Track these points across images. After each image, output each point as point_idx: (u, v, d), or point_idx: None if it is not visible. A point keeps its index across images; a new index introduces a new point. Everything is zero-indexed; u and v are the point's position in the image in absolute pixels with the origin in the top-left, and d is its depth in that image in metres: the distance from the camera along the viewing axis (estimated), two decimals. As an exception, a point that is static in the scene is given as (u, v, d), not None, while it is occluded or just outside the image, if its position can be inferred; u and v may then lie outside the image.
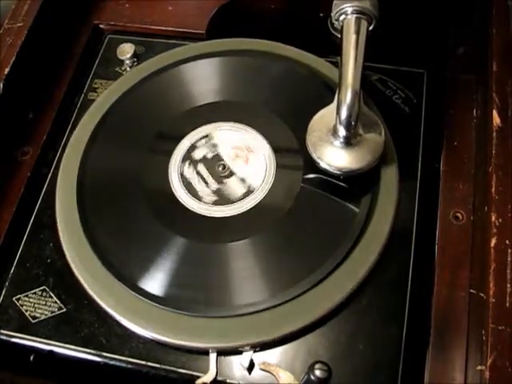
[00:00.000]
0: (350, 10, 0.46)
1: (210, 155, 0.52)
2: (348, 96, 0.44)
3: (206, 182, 0.51)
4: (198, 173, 0.51)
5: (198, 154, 0.52)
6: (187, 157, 0.52)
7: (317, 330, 0.45)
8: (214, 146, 0.53)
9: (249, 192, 0.49)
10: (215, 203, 0.49)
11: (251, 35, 0.59)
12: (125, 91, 0.57)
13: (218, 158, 0.52)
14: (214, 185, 0.50)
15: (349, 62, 0.45)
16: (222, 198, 0.49)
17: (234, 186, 0.50)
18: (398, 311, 0.45)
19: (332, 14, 0.48)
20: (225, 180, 0.51)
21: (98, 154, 0.53)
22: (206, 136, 0.53)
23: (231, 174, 0.51)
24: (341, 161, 0.46)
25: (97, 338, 0.46)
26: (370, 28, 0.47)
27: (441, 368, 0.44)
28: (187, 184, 0.51)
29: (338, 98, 0.45)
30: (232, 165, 0.51)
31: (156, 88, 0.56)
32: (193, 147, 0.53)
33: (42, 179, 0.54)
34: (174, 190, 0.50)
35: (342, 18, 0.47)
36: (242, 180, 0.50)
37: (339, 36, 0.47)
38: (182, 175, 0.51)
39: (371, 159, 0.46)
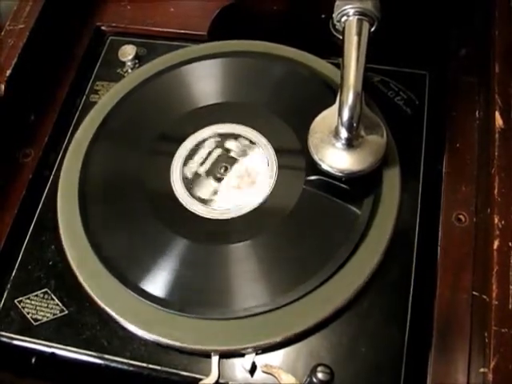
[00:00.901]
0: (351, 11, 0.46)
1: (211, 157, 0.52)
2: (350, 97, 0.44)
3: (207, 184, 0.51)
4: (200, 174, 0.51)
5: (199, 156, 0.52)
6: (189, 159, 0.52)
7: (319, 332, 0.45)
8: (215, 147, 0.53)
9: (252, 191, 0.49)
10: (217, 204, 0.49)
11: (253, 37, 0.59)
12: (126, 93, 0.57)
13: (219, 159, 0.52)
14: (215, 186, 0.50)
15: (350, 64, 0.45)
16: (226, 199, 0.49)
17: (236, 186, 0.50)
18: (401, 313, 0.45)
19: (334, 16, 0.48)
20: (227, 181, 0.51)
21: (100, 156, 0.53)
22: (208, 138, 0.53)
23: (233, 174, 0.51)
24: (342, 162, 0.46)
25: (98, 340, 0.46)
26: (372, 29, 0.47)
27: (443, 370, 0.44)
28: (189, 186, 0.51)
29: (340, 100, 0.45)
30: (234, 166, 0.51)
31: (158, 90, 0.56)
32: (194, 149, 0.53)
33: (44, 181, 0.54)
34: (175, 192, 0.50)
35: (343, 19, 0.47)
36: (245, 179, 0.50)
37: (341, 37, 0.47)
38: (183, 177, 0.51)
39: (373, 161, 0.46)
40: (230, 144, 0.53)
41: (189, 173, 0.51)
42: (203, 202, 0.50)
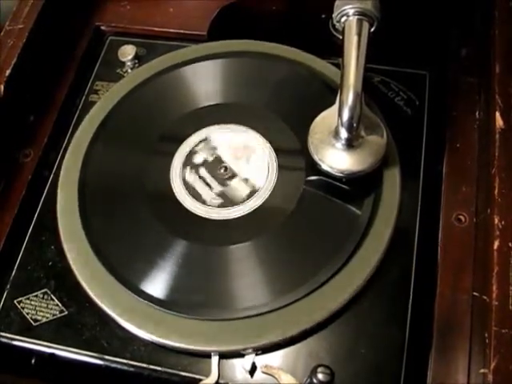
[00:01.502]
0: (351, 11, 0.46)
1: (211, 158, 0.52)
2: (350, 98, 0.44)
3: (208, 186, 0.50)
4: (200, 176, 0.51)
5: (198, 157, 0.52)
6: (189, 159, 0.52)
7: (319, 332, 0.45)
8: (215, 148, 0.53)
9: (253, 192, 0.49)
10: (220, 206, 0.49)
11: (252, 37, 0.59)
12: (126, 93, 0.56)
13: (219, 160, 0.52)
14: (217, 187, 0.50)
15: (350, 64, 0.45)
16: (227, 200, 0.49)
17: (237, 187, 0.50)
18: (401, 314, 0.45)
19: (333, 16, 0.48)
20: (228, 182, 0.51)
21: (100, 156, 0.53)
22: (207, 138, 0.53)
23: (234, 175, 0.51)
24: (342, 163, 0.46)
25: (98, 340, 0.46)
26: (372, 29, 0.47)
27: (443, 371, 0.44)
28: (190, 187, 0.50)
29: (340, 100, 0.45)
30: (234, 166, 0.51)
31: (157, 90, 0.56)
32: (194, 150, 0.53)
33: (44, 181, 0.54)
34: (175, 193, 0.50)
35: (343, 19, 0.47)
36: (245, 180, 0.50)
37: (341, 37, 0.47)
38: (183, 177, 0.51)
39: (373, 161, 0.46)
40: (230, 144, 0.52)
41: (189, 173, 0.51)
42: (203, 202, 0.50)
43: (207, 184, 0.51)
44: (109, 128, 0.54)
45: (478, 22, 0.58)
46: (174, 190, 0.50)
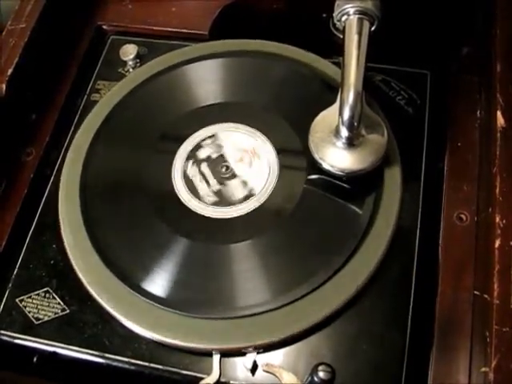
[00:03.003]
0: (352, 10, 0.46)
1: (214, 155, 0.52)
2: (350, 96, 0.44)
3: (207, 182, 0.51)
4: (201, 172, 0.51)
5: (202, 154, 0.52)
6: (191, 156, 0.52)
7: (320, 331, 0.45)
8: (219, 146, 0.53)
9: (249, 196, 0.49)
10: (215, 204, 0.49)
11: (254, 36, 0.59)
12: (128, 92, 0.57)
13: (221, 158, 0.52)
14: (215, 185, 0.50)
15: (351, 63, 0.45)
16: (222, 200, 0.49)
17: (234, 188, 0.50)
18: (402, 313, 0.45)
19: (334, 15, 0.48)
20: (226, 181, 0.51)
21: (101, 155, 0.53)
22: (211, 136, 0.53)
23: (234, 175, 0.51)
24: (343, 162, 0.46)
25: (100, 339, 0.46)
26: (372, 29, 0.47)
27: (444, 370, 0.44)
28: (189, 183, 0.50)
29: (341, 99, 0.45)
30: (235, 166, 0.51)
31: (159, 89, 0.57)
32: (197, 147, 0.53)
33: (45, 180, 0.55)
34: (177, 192, 0.50)
35: (344, 18, 0.47)
36: (244, 183, 0.50)
37: (341, 36, 0.47)
38: (185, 175, 0.51)
39: (374, 160, 0.46)
40: (231, 144, 0.53)
41: (190, 172, 0.51)
42: (198, 198, 0.50)
43: (206, 180, 0.51)
44: (110, 127, 0.55)
45: (478, 21, 0.58)
46: (176, 188, 0.50)
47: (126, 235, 0.49)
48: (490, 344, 0.39)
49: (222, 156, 0.52)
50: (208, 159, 0.52)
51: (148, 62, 0.59)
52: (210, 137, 0.53)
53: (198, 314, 0.44)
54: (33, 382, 0.48)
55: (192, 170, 0.51)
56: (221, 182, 0.51)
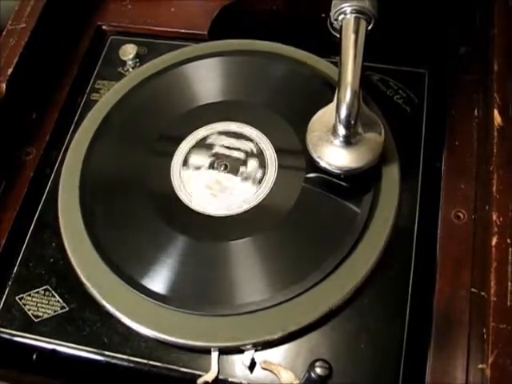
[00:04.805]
0: (348, 9, 0.46)
1: (212, 154, 0.52)
2: (347, 95, 0.44)
3: (208, 181, 0.51)
4: (201, 172, 0.51)
5: (199, 154, 0.52)
6: (189, 157, 0.52)
7: (318, 329, 0.45)
8: (217, 145, 0.53)
9: (246, 199, 0.49)
10: (217, 202, 0.49)
11: (253, 36, 0.59)
12: (127, 92, 0.57)
13: (220, 157, 0.52)
14: (215, 184, 0.51)
15: (348, 62, 0.45)
16: (219, 199, 0.50)
17: (233, 189, 0.50)
18: (400, 310, 0.45)
19: (331, 14, 0.48)
20: (225, 179, 0.51)
21: (101, 154, 0.53)
22: (210, 135, 0.53)
23: (232, 173, 0.51)
24: (341, 160, 0.46)
25: (99, 336, 0.46)
26: (369, 27, 0.47)
27: (442, 367, 0.44)
28: (189, 183, 0.51)
29: (338, 97, 0.45)
30: (234, 164, 0.51)
31: (159, 89, 0.57)
32: (195, 147, 0.53)
33: (45, 179, 0.55)
34: (176, 190, 0.51)
35: (340, 17, 0.47)
36: (246, 179, 0.50)
37: (338, 36, 0.47)
38: (184, 174, 0.51)
39: (371, 158, 0.46)
40: (230, 142, 0.53)
41: (189, 170, 0.52)
42: (204, 199, 0.50)
43: (206, 180, 0.51)
44: (110, 126, 0.55)
45: (476, 20, 0.58)
46: (175, 187, 0.51)
47: (125, 233, 0.49)
48: (487, 341, 0.39)
49: (220, 154, 0.52)
50: (207, 157, 0.52)
51: (147, 62, 0.59)
52: (208, 135, 0.53)
53: (197, 312, 0.45)
54: (32, 380, 0.48)
55: (191, 170, 0.52)
56: (219, 179, 0.51)
